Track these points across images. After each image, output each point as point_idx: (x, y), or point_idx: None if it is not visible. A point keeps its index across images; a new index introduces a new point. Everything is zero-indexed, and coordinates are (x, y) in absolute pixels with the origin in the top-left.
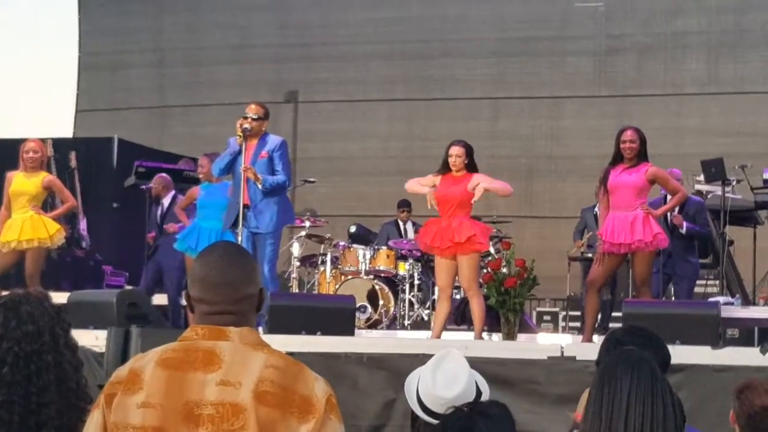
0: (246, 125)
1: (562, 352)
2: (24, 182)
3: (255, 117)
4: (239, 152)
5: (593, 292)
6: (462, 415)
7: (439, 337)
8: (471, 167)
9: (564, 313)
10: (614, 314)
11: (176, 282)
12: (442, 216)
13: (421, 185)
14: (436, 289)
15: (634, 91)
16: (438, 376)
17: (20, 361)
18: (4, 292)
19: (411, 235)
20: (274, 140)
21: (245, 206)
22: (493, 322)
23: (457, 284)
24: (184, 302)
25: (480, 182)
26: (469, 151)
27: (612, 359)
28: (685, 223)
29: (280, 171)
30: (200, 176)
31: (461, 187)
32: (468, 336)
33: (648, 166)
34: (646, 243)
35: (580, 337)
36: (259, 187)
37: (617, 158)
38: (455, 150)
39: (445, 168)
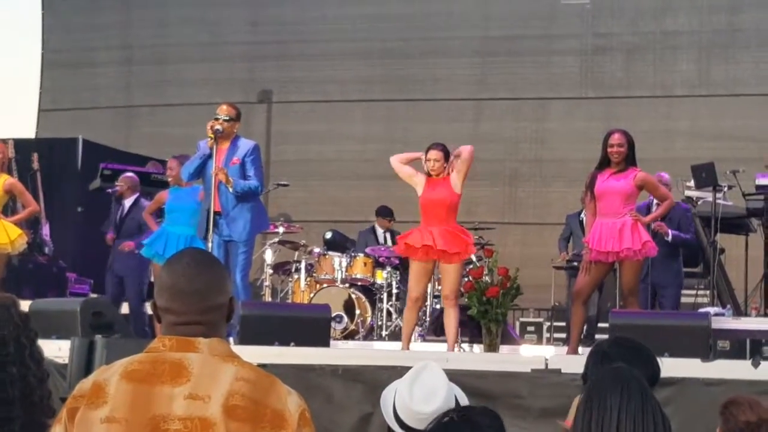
0: (217, 126)
1: (547, 365)
2: None
3: (226, 118)
4: (210, 156)
5: (579, 303)
6: (450, 424)
7: (408, 348)
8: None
9: (548, 323)
10: (601, 325)
11: (136, 289)
12: (426, 221)
13: (407, 155)
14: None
15: (622, 93)
16: (415, 389)
17: None
18: None
19: (390, 242)
20: (246, 144)
21: (217, 213)
22: (474, 333)
23: (436, 293)
24: (147, 310)
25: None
26: (447, 155)
27: (601, 376)
28: (670, 231)
29: (252, 176)
30: (169, 179)
31: (446, 190)
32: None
33: (636, 172)
34: (635, 251)
35: (566, 348)
36: (230, 190)
37: (604, 162)
38: (433, 154)
39: (427, 172)
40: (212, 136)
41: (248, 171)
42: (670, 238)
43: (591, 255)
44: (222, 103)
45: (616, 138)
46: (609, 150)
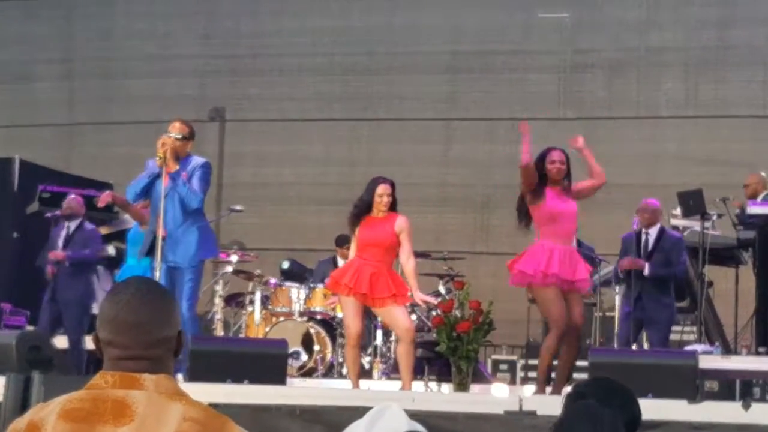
0: (160, 155)
1: (521, 406)
2: None
3: (178, 136)
4: (158, 175)
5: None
6: None
7: (358, 386)
8: (393, 205)
9: (523, 361)
10: (579, 363)
11: (76, 320)
12: (361, 257)
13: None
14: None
15: (603, 113)
16: None
17: None
18: None
19: None
20: (197, 161)
21: (162, 237)
22: (443, 371)
23: None
24: (87, 345)
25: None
26: (393, 188)
27: (568, 414)
28: (647, 265)
29: (195, 189)
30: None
31: (387, 229)
32: (415, 386)
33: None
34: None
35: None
36: (170, 167)
37: (543, 181)
38: (385, 188)
39: (366, 211)
40: (162, 155)
41: (193, 185)
42: (647, 272)
43: (547, 280)
44: (175, 120)
45: (556, 154)
46: (549, 166)
